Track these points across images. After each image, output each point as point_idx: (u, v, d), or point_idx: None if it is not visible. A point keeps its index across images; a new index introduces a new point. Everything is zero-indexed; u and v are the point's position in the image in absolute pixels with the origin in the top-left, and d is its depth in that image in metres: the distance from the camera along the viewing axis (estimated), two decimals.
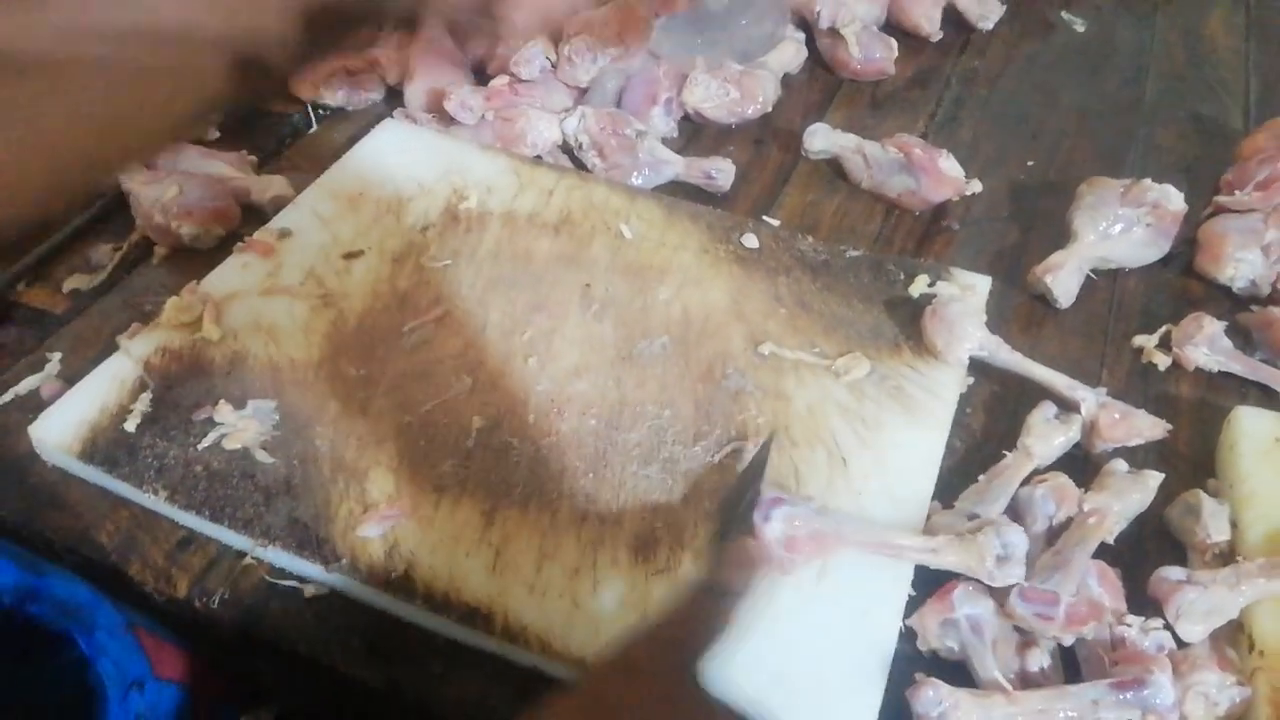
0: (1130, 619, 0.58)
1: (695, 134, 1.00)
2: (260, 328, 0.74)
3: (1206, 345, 0.76)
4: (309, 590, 0.62)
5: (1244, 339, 0.78)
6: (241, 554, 0.63)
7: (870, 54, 1.06)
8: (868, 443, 0.68)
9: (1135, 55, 1.13)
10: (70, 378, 0.72)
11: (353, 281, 0.79)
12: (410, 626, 0.60)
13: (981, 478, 0.67)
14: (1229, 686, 0.56)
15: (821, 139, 0.95)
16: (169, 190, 0.83)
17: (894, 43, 1.07)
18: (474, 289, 0.78)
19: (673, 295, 0.79)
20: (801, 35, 1.09)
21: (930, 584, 0.61)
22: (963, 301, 0.76)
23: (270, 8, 0.48)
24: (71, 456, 0.66)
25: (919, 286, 0.79)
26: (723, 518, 0.62)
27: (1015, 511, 0.65)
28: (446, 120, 0.96)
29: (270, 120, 1.00)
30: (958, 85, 1.08)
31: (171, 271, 0.82)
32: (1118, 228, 0.83)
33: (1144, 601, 0.60)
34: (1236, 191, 0.88)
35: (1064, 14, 1.19)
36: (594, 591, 0.60)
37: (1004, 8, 1.16)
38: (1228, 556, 0.62)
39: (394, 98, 1.03)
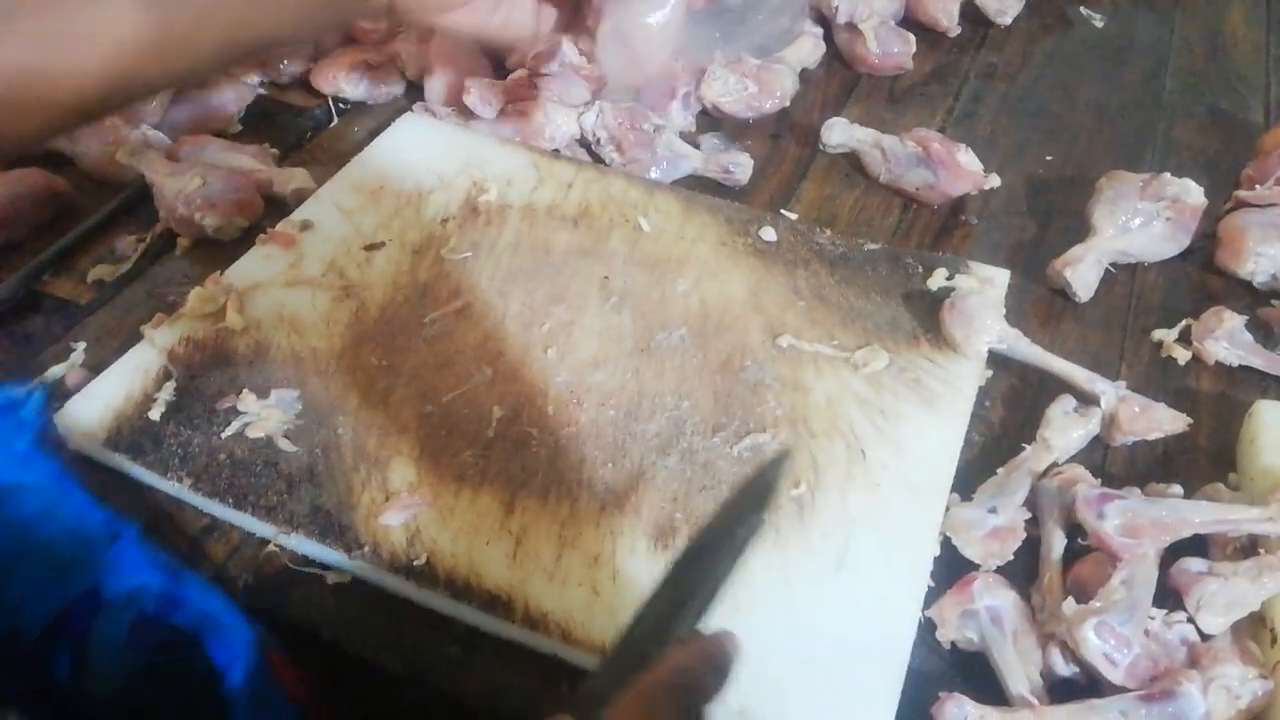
0: (1153, 612, 0.58)
1: (713, 128, 1.00)
2: (283, 318, 0.75)
3: (1227, 339, 0.76)
4: (331, 577, 0.62)
5: (1264, 333, 0.78)
6: (264, 541, 0.64)
7: (888, 49, 1.06)
8: (886, 434, 0.68)
9: (1154, 50, 1.13)
10: (95, 366, 0.73)
11: (374, 273, 0.79)
12: (431, 614, 0.61)
13: (1000, 470, 0.67)
14: (1251, 680, 0.56)
15: (840, 133, 0.95)
16: (192, 182, 0.83)
17: (912, 38, 1.07)
18: (494, 281, 0.79)
19: (691, 287, 0.79)
20: (820, 30, 1.09)
21: (949, 575, 0.62)
22: (981, 294, 0.76)
23: None
24: (97, 444, 0.67)
25: (937, 280, 0.79)
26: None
27: (1033, 504, 0.65)
28: (466, 114, 0.96)
29: (291, 114, 1.01)
30: (976, 80, 1.08)
31: (195, 262, 0.83)
32: (1137, 222, 0.83)
33: (1164, 593, 0.60)
34: (1257, 186, 0.87)
35: (1082, 9, 1.19)
36: (613, 580, 0.60)
37: (1022, 3, 1.15)
38: (1249, 549, 0.62)
39: (414, 91, 1.03)
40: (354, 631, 0.60)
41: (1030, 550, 0.64)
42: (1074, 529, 0.63)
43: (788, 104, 1.01)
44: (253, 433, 0.67)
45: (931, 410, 0.70)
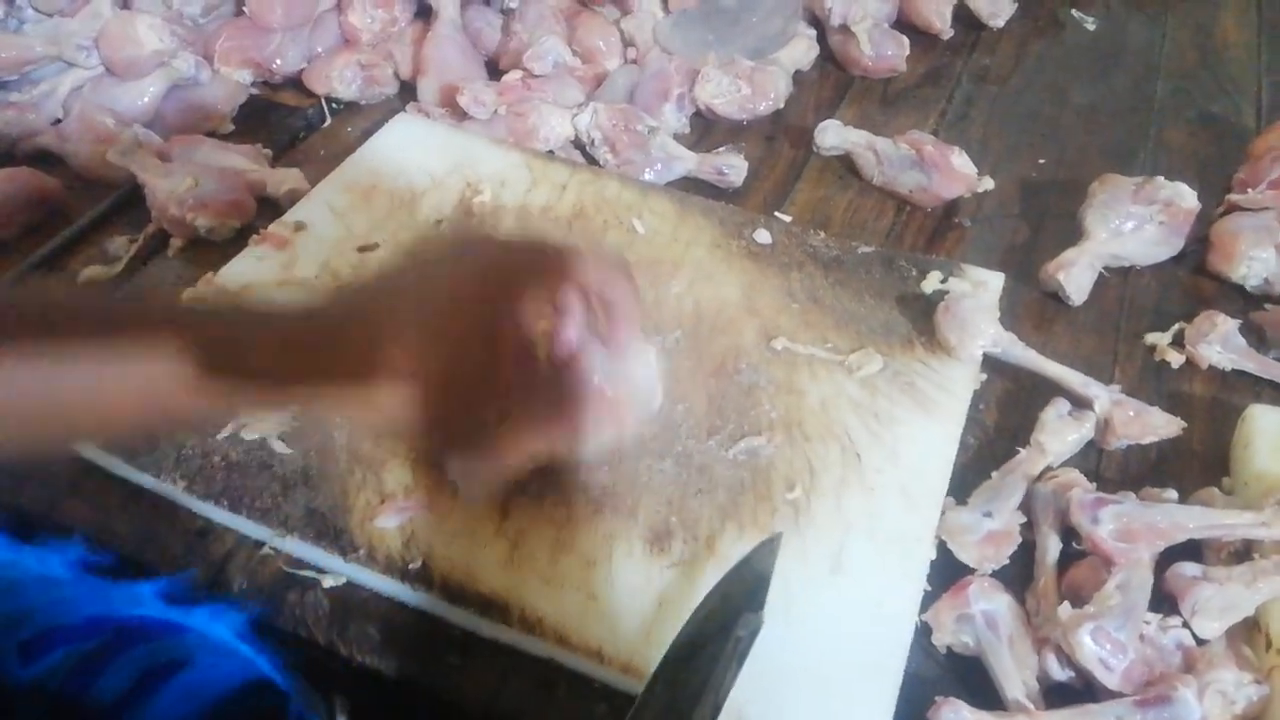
0: (1148, 617, 0.58)
1: (707, 130, 1.00)
2: None
3: (1220, 343, 0.76)
4: (326, 581, 0.62)
5: (1257, 337, 0.78)
6: (259, 544, 0.64)
7: (882, 51, 1.06)
8: (881, 438, 0.68)
9: (1146, 54, 1.13)
10: None
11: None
12: (426, 617, 0.61)
13: (995, 474, 0.68)
14: (1246, 685, 0.56)
15: (833, 135, 0.95)
16: (184, 183, 0.83)
17: (905, 40, 1.08)
18: None
19: (685, 290, 0.79)
20: (813, 32, 1.10)
21: (945, 579, 0.62)
22: (976, 298, 0.76)
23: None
24: (92, 446, 0.66)
25: (931, 283, 0.79)
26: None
27: (1028, 508, 0.66)
28: (459, 115, 0.96)
29: (284, 114, 1.00)
30: (969, 83, 1.08)
31: (187, 263, 0.83)
32: (1130, 225, 0.83)
33: (1159, 597, 0.60)
34: (1249, 190, 0.88)
35: (1074, 12, 1.19)
36: (609, 584, 0.60)
37: (1015, 6, 1.16)
38: (1243, 554, 0.62)
39: (407, 92, 1.03)
40: (349, 635, 0.60)
41: (1025, 554, 0.64)
42: (1069, 533, 0.64)
43: (781, 106, 1.01)
44: (247, 435, 0.67)
45: (926, 414, 0.70)
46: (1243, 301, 0.83)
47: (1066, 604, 0.58)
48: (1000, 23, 1.14)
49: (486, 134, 0.94)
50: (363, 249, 0.81)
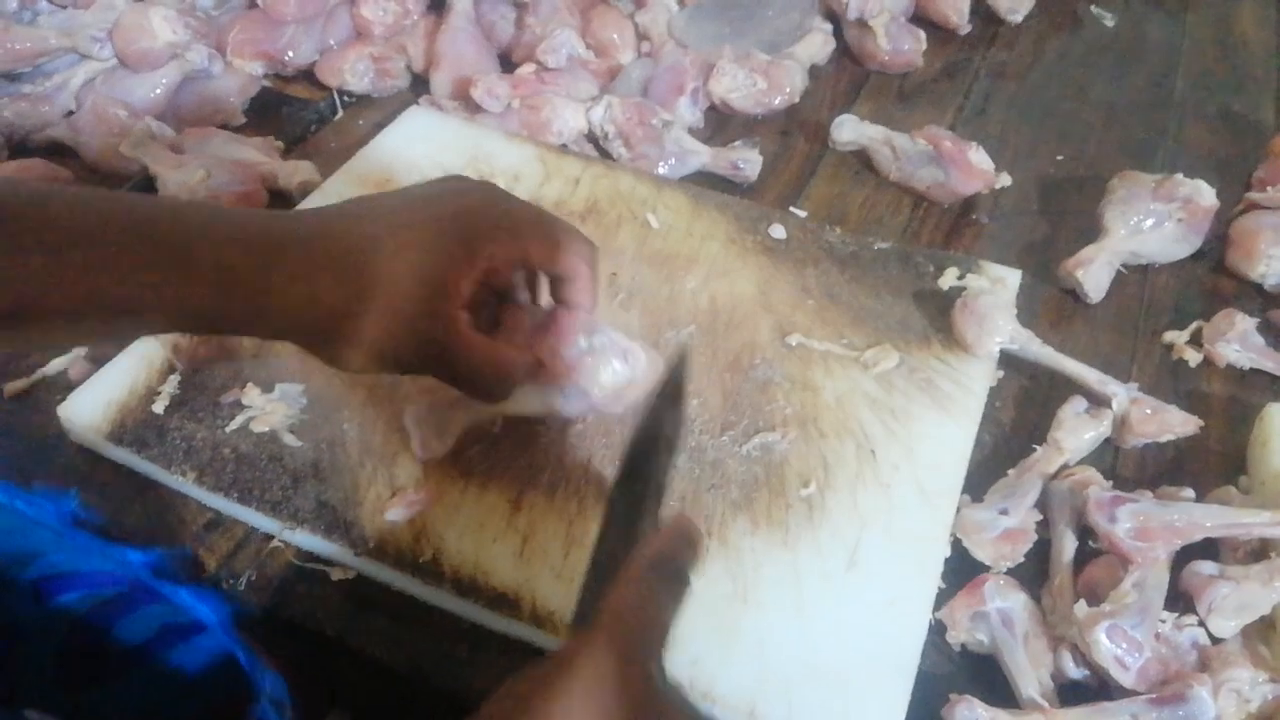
0: (1164, 615, 0.58)
1: (721, 124, 1.00)
2: None
3: (1238, 342, 0.75)
4: (336, 574, 0.62)
5: (1275, 336, 0.78)
6: (269, 536, 0.63)
7: (899, 46, 1.05)
8: (897, 435, 0.68)
9: (1165, 50, 1.12)
10: (98, 359, 0.72)
11: None
12: (436, 611, 0.60)
13: (1011, 472, 0.67)
14: (1261, 684, 0.56)
15: (849, 130, 0.94)
16: (196, 174, 0.83)
17: (922, 35, 1.07)
18: None
19: (700, 285, 0.78)
20: (829, 26, 1.09)
21: (959, 577, 0.61)
22: (993, 294, 0.75)
23: None
24: (101, 437, 0.66)
25: (948, 279, 0.79)
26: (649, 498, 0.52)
27: (1044, 506, 0.65)
28: (472, 108, 0.95)
29: (296, 106, 1.00)
30: (986, 78, 1.07)
31: None
32: (1149, 223, 0.83)
33: (1174, 596, 0.60)
34: (1269, 188, 0.87)
35: (1093, 8, 1.18)
36: None
37: (1033, 1, 1.15)
38: (1259, 553, 0.62)
39: (419, 85, 1.03)
40: (358, 628, 0.60)
41: (1040, 552, 0.63)
42: (1085, 531, 0.63)
43: (797, 100, 1.01)
44: (257, 427, 0.67)
45: (942, 411, 0.69)
46: (1261, 300, 0.82)
47: (1083, 602, 0.57)
48: (1018, 18, 1.14)
49: (500, 127, 0.93)
50: None
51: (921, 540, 0.62)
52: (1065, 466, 0.67)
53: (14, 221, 0.48)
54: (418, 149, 0.90)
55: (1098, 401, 0.71)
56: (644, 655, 0.41)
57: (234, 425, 0.67)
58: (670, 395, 0.54)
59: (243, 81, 1.00)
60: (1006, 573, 0.61)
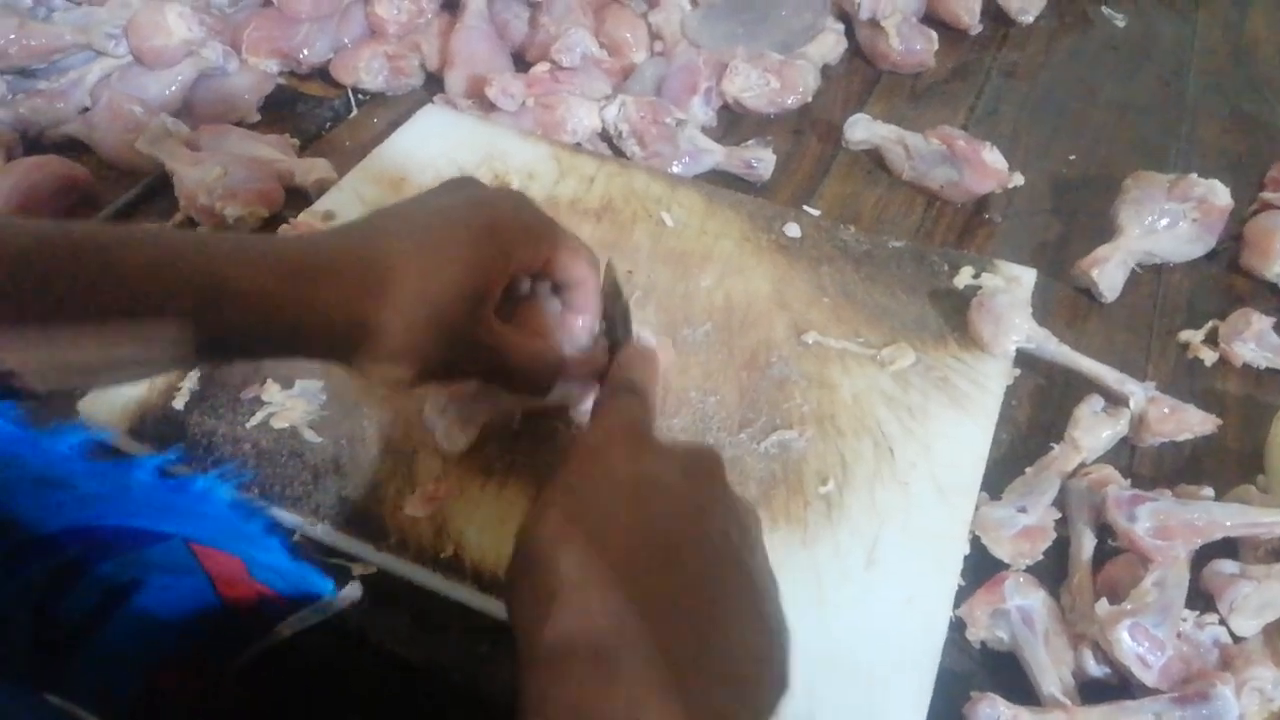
0: (1185, 614, 0.58)
1: (734, 123, 1.00)
2: None
3: (1254, 341, 0.75)
4: (357, 569, 0.62)
5: None
6: (290, 532, 0.63)
7: (910, 46, 1.05)
8: (914, 433, 0.68)
9: (1176, 51, 1.12)
10: None
11: None
12: (457, 607, 0.60)
13: (1029, 470, 0.67)
14: None
15: (862, 129, 0.95)
16: (213, 171, 0.83)
17: (934, 35, 1.07)
18: None
19: (715, 283, 0.78)
20: (841, 26, 1.09)
21: (978, 574, 0.61)
22: (1009, 293, 0.75)
23: None
24: (121, 433, 0.66)
25: (963, 278, 0.79)
26: (607, 328, 0.63)
27: (1062, 504, 0.65)
28: (486, 106, 0.96)
29: (311, 104, 1.00)
30: (998, 78, 1.08)
31: None
32: (1163, 222, 0.83)
33: (1195, 594, 0.60)
34: None
35: (1104, 8, 1.18)
36: None
37: (1044, 2, 1.15)
38: (1279, 552, 0.62)
39: (433, 83, 1.03)
40: (379, 623, 0.60)
41: (1058, 551, 0.63)
42: (1103, 530, 0.63)
43: (809, 100, 1.01)
44: (277, 423, 0.67)
45: (960, 409, 0.70)
46: (1276, 299, 0.82)
47: (1104, 600, 0.57)
48: (1029, 18, 1.14)
49: (514, 126, 0.94)
50: None
51: (940, 538, 0.62)
52: (1083, 465, 0.68)
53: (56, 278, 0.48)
54: (433, 147, 0.90)
55: (1115, 400, 0.71)
56: (623, 430, 0.50)
57: (254, 421, 0.67)
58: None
59: (257, 79, 1.00)
60: (1025, 571, 0.62)
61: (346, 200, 0.84)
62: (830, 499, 0.64)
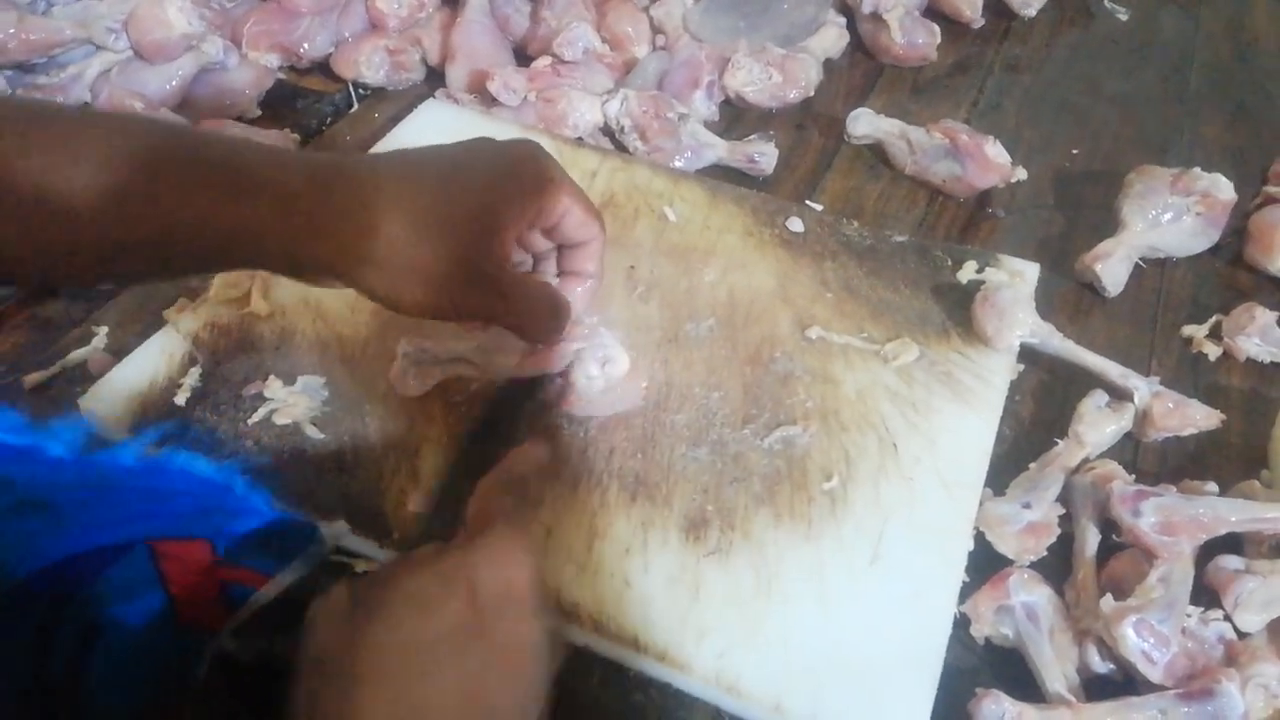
0: (1190, 610, 0.58)
1: (736, 118, 1.00)
2: (308, 305, 0.74)
3: (1259, 336, 0.75)
4: (360, 566, 0.62)
5: None
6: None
7: (913, 39, 1.05)
8: (918, 428, 0.68)
9: (1179, 45, 1.12)
10: (118, 351, 0.72)
11: None
12: None
13: (1033, 465, 0.67)
14: None
15: (865, 124, 0.94)
16: None
17: (936, 28, 1.07)
18: None
19: (718, 278, 0.78)
20: (843, 19, 1.09)
21: (982, 570, 0.61)
22: (1013, 288, 0.75)
23: None
24: (123, 429, 0.66)
25: (967, 273, 0.79)
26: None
27: (1066, 500, 0.65)
28: (488, 101, 0.95)
29: (311, 99, 1.00)
30: (1000, 72, 1.07)
31: None
32: (1167, 216, 0.83)
33: (1199, 590, 0.60)
34: None
35: (1106, 3, 1.18)
36: (645, 571, 0.60)
37: None
38: None
39: (434, 78, 1.03)
40: None
41: (1062, 546, 0.63)
42: (1107, 525, 0.63)
43: (811, 94, 1.01)
44: (280, 419, 0.67)
45: (963, 404, 0.69)
46: None
47: (1109, 596, 0.57)
48: (1032, 12, 1.13)
49: (516, 120, 0.93)
50: None
51: (945, 533, 0.62)
52: (1086, 460, 0.67)
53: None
54: (434, 141, 0.89)
55: (1119, 395, 0.71)
56: (479, 558, 0.47)
57: (256, 418, 0.67)
58: None
59: (258, 74, 0.99)
60: (1029, 567, 0.61)
61: None
62: (834, 494, 0.64)
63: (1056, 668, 0.57)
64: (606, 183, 0.86)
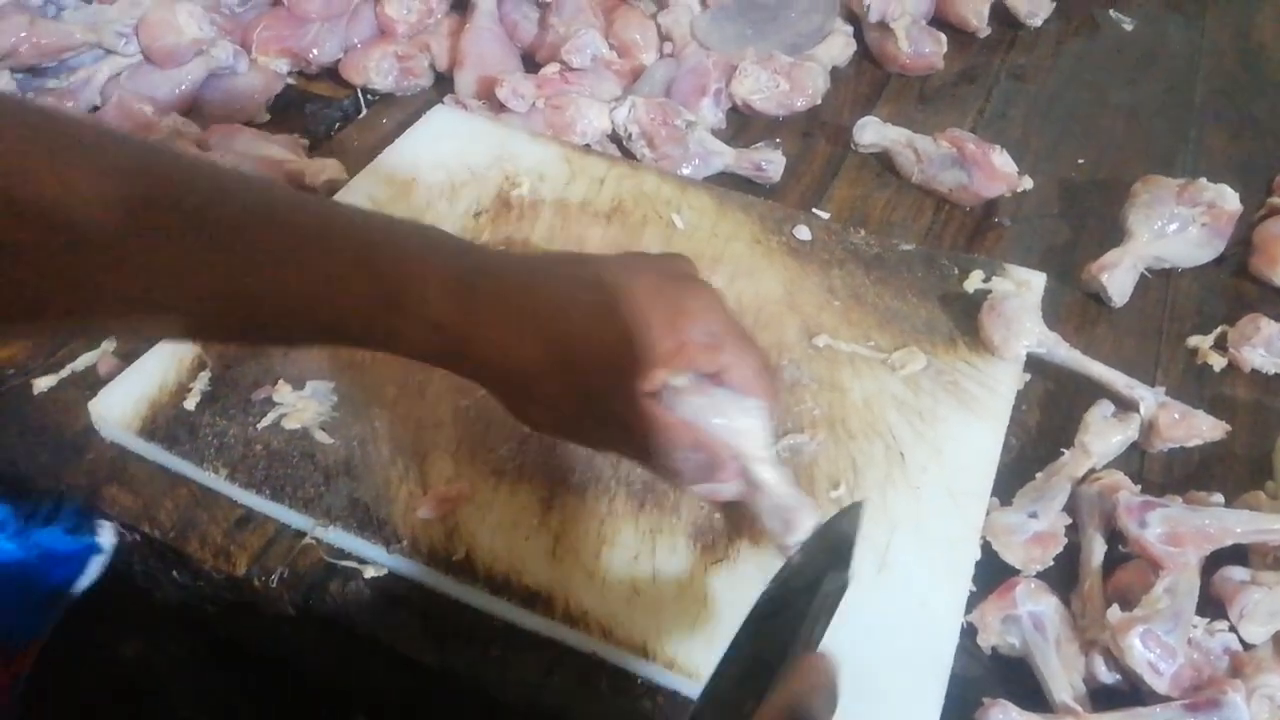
0: (1195, 620, 0.58)
1: (743, 125, 1.00)
2: None
3: (1263, 347, 0.76)
4: (368, 571, 0.62)
5: None
6: (300, 533, 0.63)
7: (919, 48, 1.06)
8: (925, 437, 0.68)
9: (1185, 55, 1.12)
10: (126, 355, 0.73)
11: None
12: (468, 609, 0.60)
13: (1039, 475, 0.67)
14: None
15: (872, 132, 0.95)
16: None
17: (943, 37, 1.07)
18: None
19: (726, 286, 0.78)
20: (850, 28, 1.09)
21: (988, 580, 0.61)
22: (1020, 297, 0.75)
23: None
24: (132, 433, 0.66)
25: (974, 282, 0.79)
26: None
27: (1073, 510, 0.65)
28: (496, 107, 0.96)
29: (320, 104, 1.00)
30: (1006, 81, 1.08)
31: None
32: (1173, 227, 0.83)
33: (1204, 601, 0.60)
34: None
35: (1111, 12, 1.18)
36: (653, 579, 0.60)
37: (1053, 5, 1.15)
38: None
39: (442, 84, 1.03)
40: (390, 626, 0.60)
41: (1069, 556, 0.63)
42: (1113, 536, 0.63)
43: (818, 102, 1.01)
44: (289, 424, 0.67)
45: (970, 413, 0.70)
46: None
47: (1115, 607, 0.57)
48: (1038, 22, 1.14)
49: (524, 127, 0.94)
50: None
51: (952, 543, 0.63)
52: (1093, 470, 0.68)
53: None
54: (442, 148, 0.90)
55: (1125, 406, 0.71)
56: None
57: (266, 422, 0.67)
58: (836, 551, 0.50)
59: (267, 79, 1.00)
60: (1036, 576, 0.62)
61: (357, 200, 0.84)
62: (842, 503, 0.64)
63: (1063, 677, 0.57)
64: (615, 190, 0.87)
